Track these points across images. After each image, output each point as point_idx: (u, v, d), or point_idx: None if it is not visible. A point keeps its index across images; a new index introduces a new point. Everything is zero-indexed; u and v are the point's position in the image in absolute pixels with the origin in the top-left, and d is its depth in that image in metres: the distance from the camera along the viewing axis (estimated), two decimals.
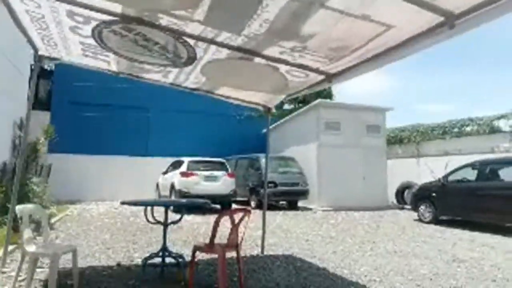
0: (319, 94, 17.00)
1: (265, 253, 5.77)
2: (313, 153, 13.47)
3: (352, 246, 6.51)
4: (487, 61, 37.44)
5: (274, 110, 5.91)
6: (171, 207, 5.17)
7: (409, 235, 7.82)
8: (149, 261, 4.07)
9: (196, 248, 3.75)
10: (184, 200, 6.81)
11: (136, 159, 15.76)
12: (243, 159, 14.56)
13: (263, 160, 13.21)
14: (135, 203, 4.13)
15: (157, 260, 4.15)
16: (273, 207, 13.02)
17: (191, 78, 4.56)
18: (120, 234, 7.11)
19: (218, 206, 12.30)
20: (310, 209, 12.84)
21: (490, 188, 8.33)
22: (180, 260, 4.17)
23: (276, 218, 10.42)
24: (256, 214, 11.80)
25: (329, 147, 13.32)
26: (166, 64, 4.12)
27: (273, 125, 16.91)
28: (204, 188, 11.00)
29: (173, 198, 11.43)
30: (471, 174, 9.21)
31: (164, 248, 4.16)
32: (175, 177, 11.53)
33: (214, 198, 11.36)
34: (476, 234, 8.01)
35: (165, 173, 12.84)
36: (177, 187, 11.15)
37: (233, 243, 3.68)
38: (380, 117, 14.42)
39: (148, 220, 4.20)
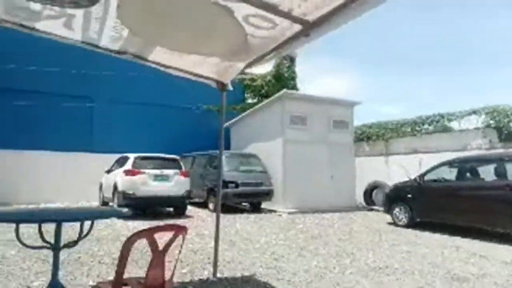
0: (283, 87, 15.86)
1: (218, 275, 4.41)
2: (278, 150, 12.28)
3: (328, 259, 5.31)
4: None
5: (230, 87, 4.56)
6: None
7: (388, 242, 6.79)
8: None
9: None
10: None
11: (78, 155, 13.75)
12: (200, 156, 13.08)
13: (223, 158, 11.83)
14: None
15: None
16: (233, 210, 11.68)
17: (106, 30, 3.10)
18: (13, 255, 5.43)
19: (171, 209, 10.77)
20: (275, 211, 11.64)
21: (473, 188, 7.52)
22: None
23: (236, 222, 9.09)
24: (214, 219, 10.52)
25: (295, 143, 12.19)
26: None
27: (234, 120, 15.58)
28: (152, 189, 9.42)
29: (115, 201, 9.75)
30: (448, 173, 8.42)
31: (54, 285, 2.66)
32: (118, 176, 9.85)
33: (165, 201, 9.86)
34: (458, 239, 7.16)
35: (109, 171, 11.08)
36: (120, 188, 9.47)
37: (156, 282, 2.27)
38: (348, 111, 13.52)
39: (23, 244, 2.61)
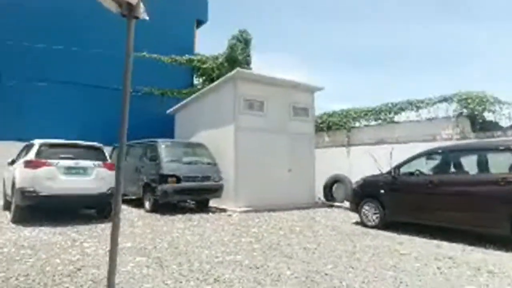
0: (235, 62, 14.03)
1: None
2: (229, 139, 10.51)
3: None
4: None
5: (146, 16, 2.71)
6: None
7: (365, 252, 5.34)
8: None
9: None
10: None
11: None
12: (136, 146, 10.93)
13: (162, 147, 9.83)
14: None
15: None
16: (174, 209, 9.74)
17: None
18: None
19: (92, 211, 8.57)
20: (225, 210, 9.90)
21: (462, 183, 6.32)
22: None
23: (174, 227, 7.21)
24: (150, 221, 8.02)
25: (249, 131, 10.49)
26: None
27: (179, 105, 13.55)
28: (63, 185, 7.17)
29: (14, 200, 7.38)
30: (423, 165, 7.22)
31: None
32: (17, 169, 7.49)
33: (81, 200, 7.66)
34: (444, 245, 5.93)
35: (11, 163, 8.60)
36: (17, 184, 7.14)
37: None
38: (309, 97, 12.09)
39: None
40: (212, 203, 10.40)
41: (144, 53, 14.06)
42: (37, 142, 7.64)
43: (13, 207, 7.37)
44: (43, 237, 5.91)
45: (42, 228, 6.68)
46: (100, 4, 2.54)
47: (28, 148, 8.01)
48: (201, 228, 7.22)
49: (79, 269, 4.16)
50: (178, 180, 9.21)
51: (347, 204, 9.95)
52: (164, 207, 9.36)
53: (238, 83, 10.63)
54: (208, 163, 10.19)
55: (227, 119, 10.76)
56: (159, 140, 10.12)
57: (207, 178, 9.75)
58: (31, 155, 7.35)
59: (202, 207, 10.28)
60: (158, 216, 8.67)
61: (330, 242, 6.07)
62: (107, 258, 2.85)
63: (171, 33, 15.34)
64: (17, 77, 11.85)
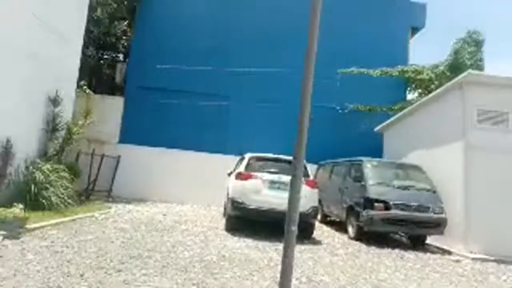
0: (460, 70, 11.29)
1: None
2: (454, 160, 8.24)
3: None
4: None
5: None
6: None
7: None
8: None
9: None
10: None
11: (211, 156, 12.89)
12: (340, 164, 10.20)
13: (368, 167, 8.66)
14: None
15: None
16: (382, 240, 8.28)
17: None
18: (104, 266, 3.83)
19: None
20: (449, 252, 7.67)
21: None
22: None
23: (381, 264, 5.86)
24: (353, 250, 6.91)
25: (486, 151, 7.90)
26: None
27: (388, 121, 12.06)
28: (267, 199, 7.11)
29: (227, 210, 7.90)
30: None
31: None
32: (231, 180, 8.03)
33: (283, 218, 7.35)
34: None
35: (229, 174, 9.45)
36: (230, 194, 7.59)
37: None
38: None
39: None
40: (431, 240, 8.33)
41: (353, 69, 13.38)
42: (247, 155, 8.01)
43: (226, 216, 7.89)
44: (244, 250, 5.83)
45: (246, 240, 6.73)
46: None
47: (241, 161, 8.54)
48: (418, 273, 5.56)
49: None
50: (387, 207, 7.76)
51: None
52: (370, 236, 8.08)
53: (469, 90, 8.28)
54: (426, 190, 8.27)
55: (451, 136, 8.53)
56: (365, 159, 9.00)
57: (424, 208, 7.85)
58: (241, 168, 7.71)
59: (417, 243, 8.37)
60: (362, 246, 7.48)
61: None
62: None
63: (382, 45, 14.10)
64: (240, 99, 13.41)
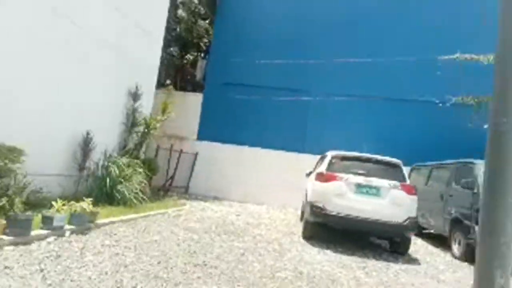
0: None
1: None
2: None
3: None
4: None
5: None
6: None
7: None
8: None
9: None
10: None
11: (290, 154, 12.12)
12: (441, 168, 8.57)
13: (481, 170, 6.94)
14: None
15: None
16: None
17: None
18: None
19: (384, 242, 7.00)
20: None
21: None
22: None
23: None
24: (462, 275, 5.54)
25: None
26: None
27: None
28: (352, 205, 6.02)
29: (305, 215, 6.99)
30: None
31: None
32: (310, 181, 7.11)
33: (373, 227, 6.19)
34: None
35: (309, 174, 8.53)
36: (308, 197, 6.67)
37: None
38: None
39: None
40: None
41: (457, 55, 11.32)
42: (329, 153, 7.00)
43: (303, 221, 7.00)
44: (324, 266, 4.87)
45: (327, 252, 5.76)
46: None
47: (322, 160, 7.57)
48: None
49: None
50: None
51: None
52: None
53: None
54: None
55: None
56: (477, 161, 7.29)
57: None
58: (322, 168, 6.74)
59: None
60: (472, 269, 5.94)
61: None
62: None
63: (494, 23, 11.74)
64: (322, 94, 12.36)
